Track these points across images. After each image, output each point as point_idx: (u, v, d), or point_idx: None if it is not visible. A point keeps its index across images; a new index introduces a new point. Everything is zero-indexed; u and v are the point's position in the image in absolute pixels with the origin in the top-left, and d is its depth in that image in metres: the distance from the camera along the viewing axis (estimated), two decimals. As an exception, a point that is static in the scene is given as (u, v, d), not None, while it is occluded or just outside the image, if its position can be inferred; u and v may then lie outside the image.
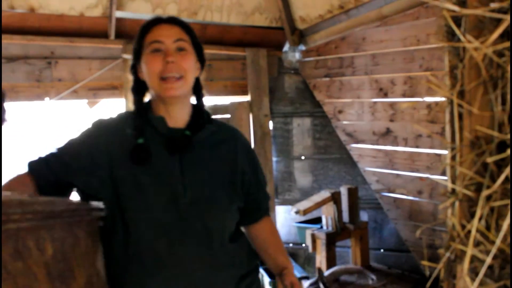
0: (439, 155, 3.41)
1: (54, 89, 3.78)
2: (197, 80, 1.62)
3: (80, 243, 1.36)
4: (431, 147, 3.47)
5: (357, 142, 3.97)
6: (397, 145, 3.70)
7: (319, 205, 3.44)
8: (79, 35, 3.75)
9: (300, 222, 4.07)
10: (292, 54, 4.35)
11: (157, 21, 1.51)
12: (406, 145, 3.64)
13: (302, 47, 4.32)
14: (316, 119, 4.30)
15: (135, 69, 1.55)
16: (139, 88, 1.55)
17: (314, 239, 3.49)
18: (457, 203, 1.08)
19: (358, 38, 3.86)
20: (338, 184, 4.07)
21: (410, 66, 3.54)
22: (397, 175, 3.72)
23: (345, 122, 4.04)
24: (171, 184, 1.44)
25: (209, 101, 4.54)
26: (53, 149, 1.46)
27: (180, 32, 1.51)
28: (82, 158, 1.43)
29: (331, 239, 3.46)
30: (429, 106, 3.46)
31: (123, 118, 1.53)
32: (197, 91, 1.63)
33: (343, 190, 3.62)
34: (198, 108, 1.60)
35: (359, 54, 3.88)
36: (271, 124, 4.35)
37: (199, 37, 1.67)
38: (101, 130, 1.49)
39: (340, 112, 4.06)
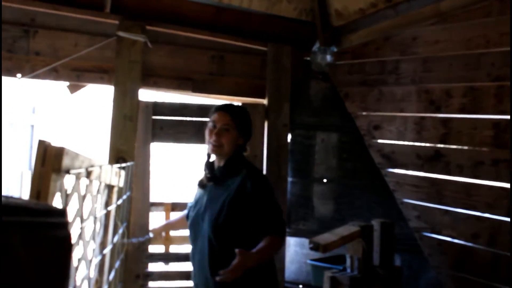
0: (507, 189, 2.62)
1: (29, 64, 3.08)
2: (241, 146, 2.42)
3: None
4: (496, 179, 2.69)
5: (396, 166, 3.19)
6: (448, 173, 2.92)
7: (345, 240, 2.65)
8: (67, 2, 3.07)
9: (315, 259, 3.28)
10: (322, 56, 3.60)
11: (217, 109, 2.40)
12: (461, 174, 2.86)
13: (334, 49, 3.59)
14: (345, 135, 3.54)
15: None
16: None
17: (334, 283, 2.68)
18: None
19: (406, 38, 3.13)
20: (365, 216, 3.26)
21: (474, 74, 2.80)
22: (446, 211, 2.93)
23: (381, 141, 3.27)
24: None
25: (216, 100, 3.84)
26: None
27: (228, 119, 2.33)
28: None
29: (357, 286, 2.66)
30: (496, 125, 2.69)
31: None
32: (238, 152, 2.41)
33: (376, 225, 2.82)
34: (231, 161, 2.41)
35: (407, 58, 3.14)
36: (289, 137, 3.60)
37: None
38: None
39: (376, 128, 3.29)
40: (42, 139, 1.43)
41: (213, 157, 2.55)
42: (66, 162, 1.46)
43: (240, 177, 2.36)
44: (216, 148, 2.31)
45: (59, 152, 1.43)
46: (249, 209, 2.32)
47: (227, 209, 2.30)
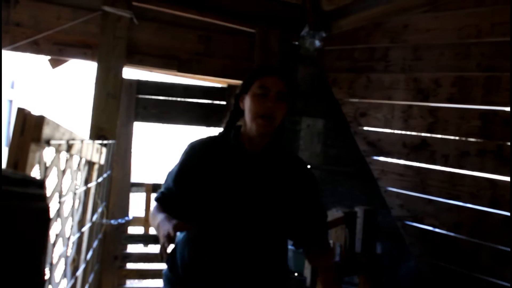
0: (491, 180, 2.62)
1: (9, 36, 2.97)
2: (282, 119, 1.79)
3: None
4: (481, 170, 2.68)
5: (381, 154, 3.17)
6: (434, 162, 2.90)
7: (329, 226, 2.62)
8: (51, -27, 2.97)
9: (296, 245, 3.25)
10: (311, 40, 3.54)
11: (269, 72, 1.72)
12: (446, 164, 2.85)
13: (323, 34, 3.53)
14: (331, 122, 3.51)
15: (238, 98, 1.75)
16: (236, 114, 1.78)
17: (316, 269, 2.66)
18: None
19: (397, 26, 3.10)
20: (348, 204, 3.25)
21: (464, 63, 2.77)
22: (429, 200, 2.92)
23: (367, 129, 3.25)
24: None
25: (202, 81, 3.76)
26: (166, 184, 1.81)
27: (283, 86, 1.70)
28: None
29: (338, 273, 2.64)
30: (484, 115, 2.68)
31: (210, 141, 1.81)
32: (280, 127, 1.76)
33: (359, 212, 2.80)
34: (275, 140, 1.79)
35: (397, 45, 3.11)
36: (274, 121, 3.54)
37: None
38: (190, 152, 1.79)
39: (363, 115, 3.27)
40: (21, 107, 1.36)
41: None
42: (46, 132, 1.40)
43: (292, 162, 1.86)
44: (267, 123, 1.66)
45: (40, 121, 1.37)
46: (307, 202, 1.83)
47: (288, 199, 1.79)
